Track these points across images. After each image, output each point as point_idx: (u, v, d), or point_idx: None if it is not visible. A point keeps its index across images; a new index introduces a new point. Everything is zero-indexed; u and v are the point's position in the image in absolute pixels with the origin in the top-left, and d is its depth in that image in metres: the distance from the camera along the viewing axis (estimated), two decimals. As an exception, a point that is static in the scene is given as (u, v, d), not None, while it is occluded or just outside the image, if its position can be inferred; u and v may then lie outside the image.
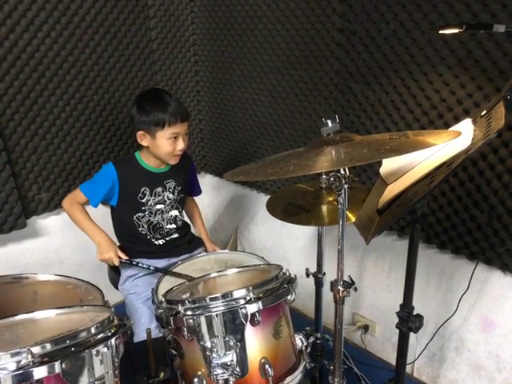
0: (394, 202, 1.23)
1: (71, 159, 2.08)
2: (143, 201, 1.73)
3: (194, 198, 2.05)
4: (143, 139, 1.66)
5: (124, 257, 1.68)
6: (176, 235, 1.84)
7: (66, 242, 2.22)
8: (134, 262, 1.69)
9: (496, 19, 1.33)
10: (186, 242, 1.88)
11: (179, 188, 1.81)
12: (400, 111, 1.67)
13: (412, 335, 1.42)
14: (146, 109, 1.62)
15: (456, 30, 1.23)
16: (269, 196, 1.78)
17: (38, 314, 1.01)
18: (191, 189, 1.97)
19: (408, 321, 1.37)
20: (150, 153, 1.71)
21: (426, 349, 1.90)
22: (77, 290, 1.30)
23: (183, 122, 1.65)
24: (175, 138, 1.65)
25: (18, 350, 0.81)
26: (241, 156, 2.43)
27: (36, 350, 0.83)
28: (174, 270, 1.60)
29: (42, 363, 0.82)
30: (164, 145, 1.64)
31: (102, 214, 1.79)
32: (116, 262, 1.66)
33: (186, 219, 1.98)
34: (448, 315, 1.78)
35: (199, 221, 2.04)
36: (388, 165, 1.35)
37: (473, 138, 1.13)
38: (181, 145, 1.67)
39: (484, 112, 1.22)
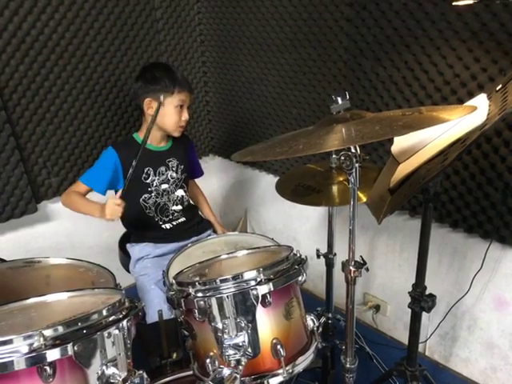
0: (406, 181, 1.21)
1: (79, 143, 2.08)
2: (148, 181, 1.73)
3: (197, 181, 2.03)
4: (150, 107, 1.66)
5: (118, 193, 1.56)
6: (183, 219, 1.83)
7: (77, 226, 2.23)
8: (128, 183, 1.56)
9: (513, -11, 1.28)
10: (195, 225, 1.87)
11: (182, 167, 1.81)
12: (412, 88, 1.63)
13: (424, 314, 1.42)
14: (155, 76, 1.65)
15: (470, 1, 1.19)
16: (278, 177, 1.76)
17: (50, 297, 1.02)
18: (193, 170, 1.95)
19: (420, 300, 1.36)
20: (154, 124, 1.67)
21: (438, 328, 1.89)
22: (89, 273, 1.30)
23: (189, 92, 1.71)
24: (181, 107, 1.68)
25: (30, 333, 0.81)
26: (249, 137, 2.41)
27: (48, 332, 0.83)
28: (183, 254, 1.59)
29: (54, 346, 0.82)
30: (171, 113, 1.66)
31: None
32: (119, 202, 1.54)
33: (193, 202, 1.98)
34: (461, 294, 1.76)
35: (205, 205, 2.03)
36: (400, 143, 1.32)
37: (488, 114, 1.10)
38: (185, 115, 1.70)
39: (499, 86, 1.19)
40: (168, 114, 1.66)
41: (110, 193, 1.70)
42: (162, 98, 1.61)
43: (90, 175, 1.71)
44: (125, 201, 1.55)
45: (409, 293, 1.40)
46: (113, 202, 1.55)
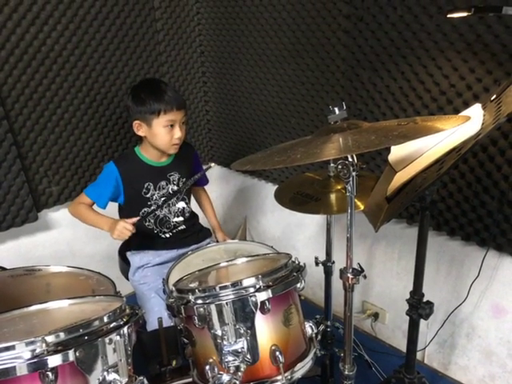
0: (402, 189, 1.23)
1: (80, 152, 2.10)
2: (148, 196, 1.73)
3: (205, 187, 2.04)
4: (140, 129, 1.66)
5: (133, 220, 1.61)
6: (183, 227, 1.84)
7: (77, 235, 2.24)
8: (146, 215, 1.67)
9: (505, 1, 1.31)
10: (194, 233, 1.88)
11: (184, 180, 1.80)
12: (408, 98, 1.65)
13: (422, 322, 1.43)
14: (141, 97, 1.62)
15: (464, 14, 1.21)
16: (277, 186, 1.78)
17: (52, 305, 1.03)
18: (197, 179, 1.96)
19: (418, 307, 1.37)
20: (149, 143, 1.70)
21: (436, 336, 1.90)
22: (89, 281, 1.32)
23: (179, 109, 1.65)
24: (171, 126, 1.64)
25: (32, 339, 0.82)
26: (248, 146, 2.43)
27: (50, 338, 0.84)
28: (182, 261, 1.60)
29: (56, 352, 0.83)
30: (160, 133, 1.64)
31: (109, 214, 1.76)
32: (131, 228, 1.58)
33: (194, 210, 1.99)
34: (458, 302, 1.77)
35: (210, 211, 2.04)
36: (397, 152, 1.34)
37: (482, 123, 1.12)
38: (177, 133, 1.66)
39: (494, 96, 1.21)
40: (157, 134, 1.64)
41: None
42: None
43: (93, 189, 1.72)
44: (136, 227, 1.60)
45: (406, 300, 1.41)
46: (124, 226, 1.58)
